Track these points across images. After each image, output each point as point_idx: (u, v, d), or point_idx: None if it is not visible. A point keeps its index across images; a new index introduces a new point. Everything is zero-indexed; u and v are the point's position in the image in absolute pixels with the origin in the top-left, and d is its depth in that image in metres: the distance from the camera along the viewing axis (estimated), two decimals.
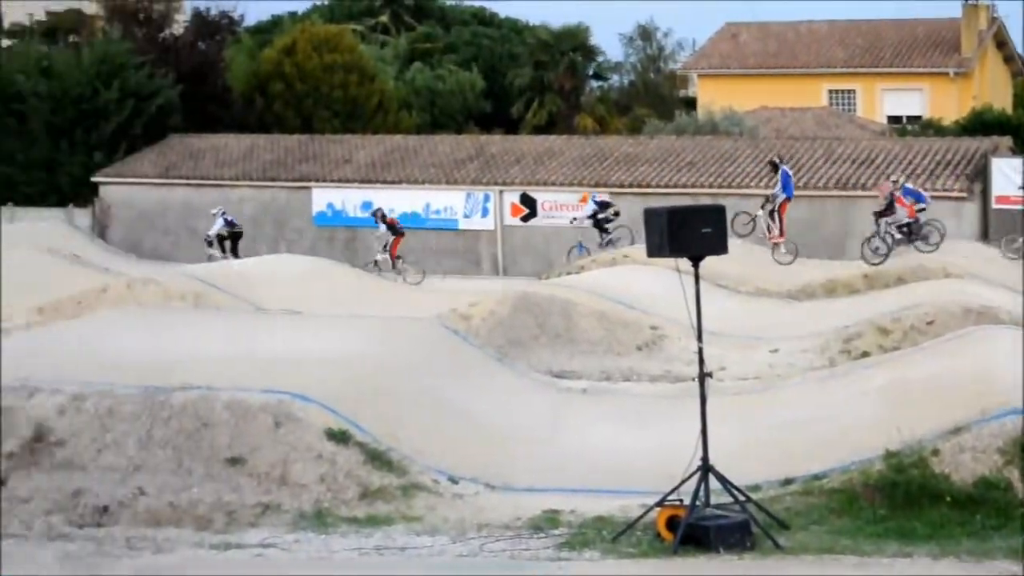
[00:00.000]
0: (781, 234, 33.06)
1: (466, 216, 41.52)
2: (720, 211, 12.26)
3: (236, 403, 13.18)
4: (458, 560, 11.22)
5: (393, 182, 44.25)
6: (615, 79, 74.14)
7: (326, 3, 76.02)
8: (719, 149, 42.93)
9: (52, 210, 47.46)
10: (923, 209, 32.76)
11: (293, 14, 74.92)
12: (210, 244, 38.86)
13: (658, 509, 11.58)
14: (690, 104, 63.98)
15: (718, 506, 11.51)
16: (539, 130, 59.34)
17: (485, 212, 42.89)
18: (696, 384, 11.95)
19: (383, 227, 36.58)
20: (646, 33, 73.00)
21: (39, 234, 38.37)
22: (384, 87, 57.98)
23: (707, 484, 11.52)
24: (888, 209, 32.58)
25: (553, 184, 42.26)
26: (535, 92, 65.00)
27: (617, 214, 36.26)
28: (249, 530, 12.04)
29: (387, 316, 21.58)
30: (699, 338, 11.92)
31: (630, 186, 40.53)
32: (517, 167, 43.79)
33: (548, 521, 12.20)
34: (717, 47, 63.56)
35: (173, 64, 52.62)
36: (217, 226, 38.77)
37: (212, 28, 57.70)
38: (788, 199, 33.34)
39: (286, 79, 55.33)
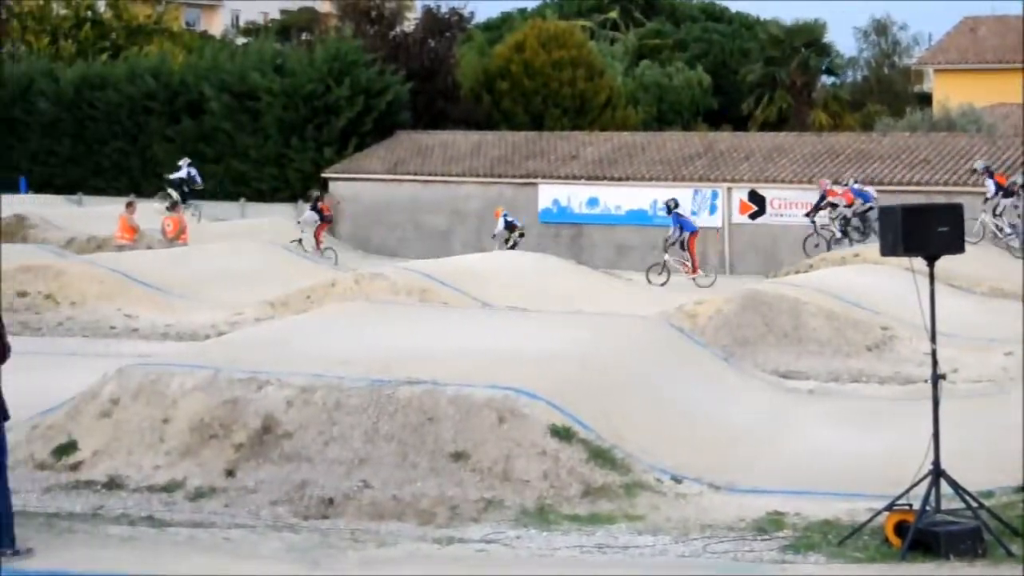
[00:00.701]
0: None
1: (693, 214, 41.21)
2: (957, 209, 11.92)
3: (461, 398, 13.30)
4: (680, 560, 11.14)
5: (620, 179, 44.23)
6: (848, 75, 73.04)
7: (556, 0, 76.40)
8: (954, 146, 41.90)
9: (282, 205, 48.62)
10: (869, 208, 34.20)
11: (523, 11, 75.51)
12: (171, 186, 41.96)
13: (886, 513, 11.33)
14: (924, 100, 62.59)
15: (948, 512, 11.22)
16: (768, 127, 58.78)
17: (713, 210, 42.59)
18: (927, 386, 11.65)
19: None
20: (881, 28, 71.73)
21: (269, 229, 39.32)
22: (612, 83, 58.02)
23: (938, 489, 11.23)
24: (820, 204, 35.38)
25: (783, 181, 41.76)
26: (765, 88, 64.39)
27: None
28: (472, 525, 12.13)
29: (613, 313, 21.57)
30: (932, 339, 11.62)
31: (862, 184, 39.75)
32: (746, 164, 43.38)
33: (772, 523, 12.03)
34: (954, 41, 61.99)
35: (403, 61, 53.45)
36: (179, 174, 42.26)
37: (442, 25, 58.40)
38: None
39: (515, 76, 55.76)
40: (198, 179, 42.96)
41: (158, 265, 27.73)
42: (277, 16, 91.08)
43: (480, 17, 68.86)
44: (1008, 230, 34.16)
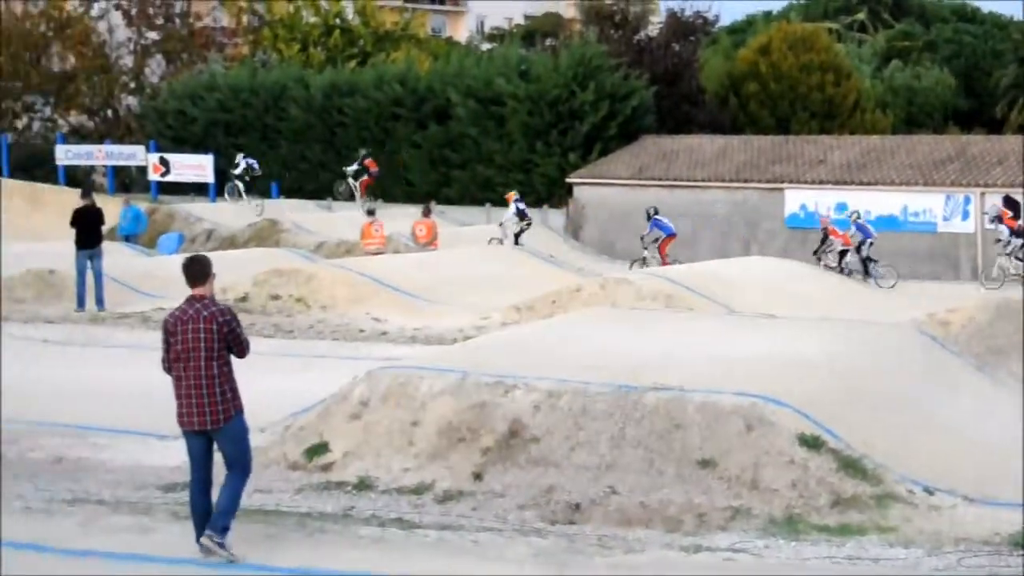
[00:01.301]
0: None
1: (945, 219, 40.31)
2: None
3: (708, 405, 13.22)
4: (934, 575, 10.90)
5: (868, 183, 43.46)
6: None
7: (802, 2, 75.46)
8: None
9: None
10: (871, 243, 35.48)
11: (768, 13, 74.78)
12: (234, 179, 44.42)
13: None
14: None
15: None
16: None
17: (965, 215, 41.52)
18: None
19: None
20: None
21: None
22: (860, 86, 57.03)
23: None
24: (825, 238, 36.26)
25: None
26: (1021, 90, 62.49)
27: None
28: (719, 533, 12.05)
29: (862, 320, 21.20)
30: None
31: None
32: (999, 168, 42.17)
33: None
34: None
35: (647, 65, 53.40)
36: (239, 168, 44.26)
37: (687, 29, 58.19)
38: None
39: (761, 79, 55.23)
40: (256, 167, 44.63)
41: (406, 269, 28.22)
42: (522, 21, 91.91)
43: (724, 20, 68.39)
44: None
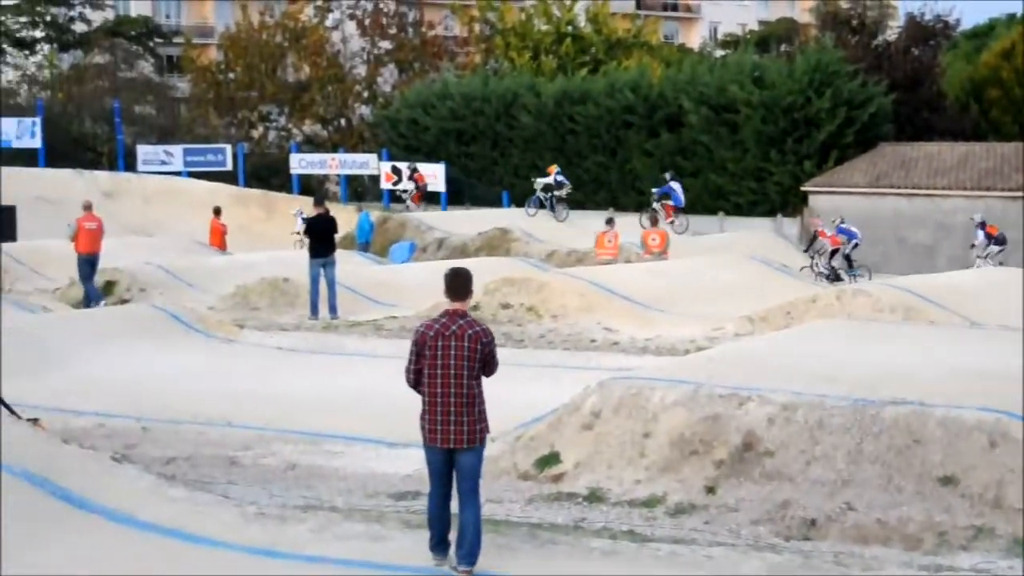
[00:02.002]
0: None
1: None
2: None
3: (950, 420, 12.89)
4: None
5: None
6: None
7: None
8: None
9: (761, 219, 48.57)
10: (855, 244, 38.12)
11: (1011, 16, 72.79)
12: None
13: None
14: None
15: None
16: None
17: None
18: None
19: None
20: None
21: (748, 243, 39.30)
22: None
23: None
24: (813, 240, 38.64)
25: None
26: None
27: None
28: (960, 553, 11.74)
29: None
30: None
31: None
32: None
33: None
34: None
35: (886, 71, 52.50)
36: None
37: (927, 33, 57.06)
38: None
39: (1004, 84, 53.83)
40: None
41: (637, 278, 28.16)
42: (756, 27, 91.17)
43: (966, 23, 66.88)
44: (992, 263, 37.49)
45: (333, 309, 26.69)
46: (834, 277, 36.81)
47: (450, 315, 10.60)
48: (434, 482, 10.71)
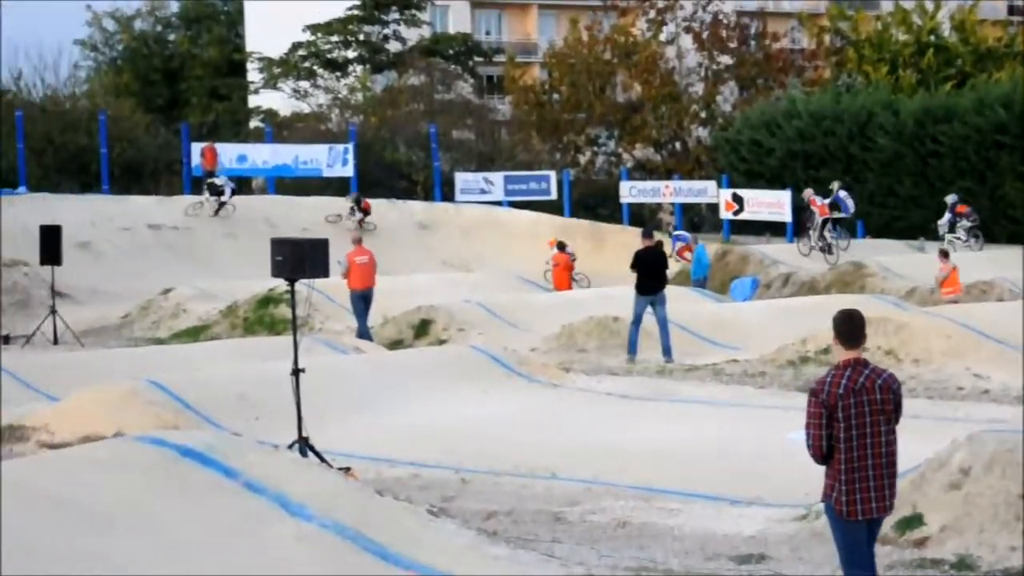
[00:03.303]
0: None
1: None
2: None
3: None
4: None
5: None
6: None
7: None
8: None
9: None
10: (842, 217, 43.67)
11: None
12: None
13: None
14: None
15: None
16: None
17: None
18: None
19: None
20: None
21: None
22: None
23: None
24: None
25: None
26: None
27: None
28: None
29: None
30: None
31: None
32: None
33: None
34: None
35: None
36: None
37: None
38: None
39: None
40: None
41: (1008, 319, 27.38)
42: None
43: None
44: (964, 237, 45.15)
45: (667, 351, 26.74)
46: (827, 249, 42.50)
47: (852, 366, 10.19)
48: (859, 562, 10.26)
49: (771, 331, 27.96)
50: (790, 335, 26.56)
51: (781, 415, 20.35)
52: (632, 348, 26.93)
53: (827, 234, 42.93)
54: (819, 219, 43.09)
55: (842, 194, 43.68)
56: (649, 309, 27.06)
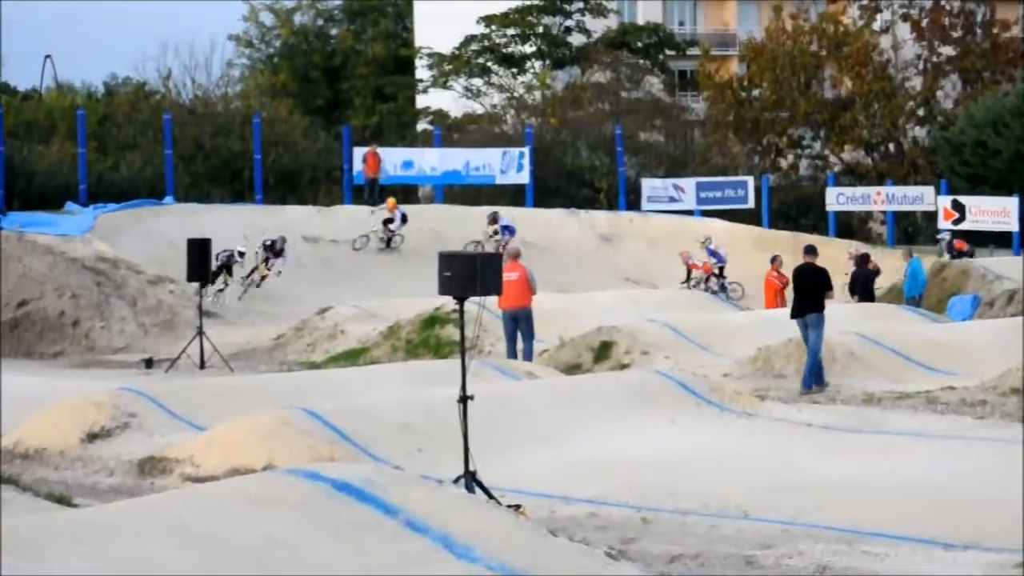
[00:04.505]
0: None
1: None
2: None
3: None
4: None
5: None
6: None
7: None
8: None
9: None
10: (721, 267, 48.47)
11: None
12: None
13: None
14: None
15: None
16: None
17: None
18: None
19: None
20: None
21: None
22: None
23: None
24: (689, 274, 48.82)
25: None
26: None
27: None
28: None
29: None
30: None
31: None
32: None
33: None
34: None
35: None
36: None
37: None
38: None
39: None
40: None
41: None
42: None
43: None
44: None
45: (804, 379, 26.68)
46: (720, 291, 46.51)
47: None
48: None
49: (993, 354, 27.64)
50: (1015, 359, 26.25)
51: (1003, 448, 20.13)
52: (809, 380, 26.90)
53: (711, 286, 47.57)
54: (703, 276, 48.17)
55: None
56: None
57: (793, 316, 27.23)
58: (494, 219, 51.38)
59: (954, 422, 22.75)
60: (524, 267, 30.78)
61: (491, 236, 50.37)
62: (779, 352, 29.00)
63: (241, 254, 44.58)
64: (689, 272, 48.50)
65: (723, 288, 47.41)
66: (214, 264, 41.65)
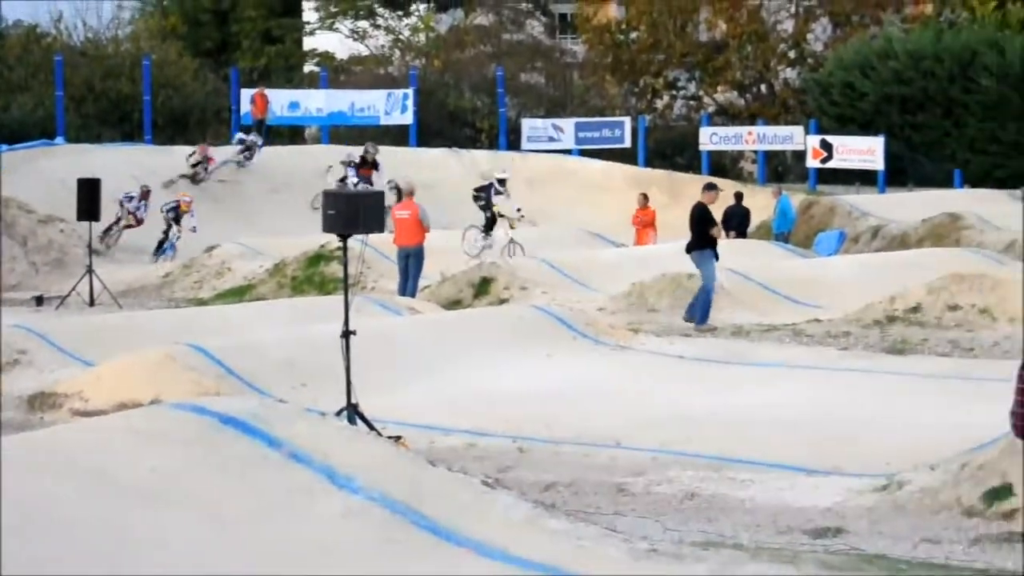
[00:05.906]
0: None
1: None
2: None
3: None
4: None
5: None
6: None
7: None
8: None
9: None
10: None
11: None
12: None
13: None
14: None
15: None
16: None
17: None
18: None
19: None
20: None
21: None
22: None
23: None
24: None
25: None
26: None
27: None
28: None
29: None
30: None
31: None
32: None
33: None
34: None
35: None
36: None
37: None
38: None
39: None
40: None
41: None
42: None
43: None
44: None
45: (691, 310, 26.81)
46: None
47: None
48: None
49: (857, 288, 27.93)
50: (878, 293, 26.56)
51: (865, 379, 20.41)
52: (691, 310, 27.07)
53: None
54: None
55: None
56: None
57: (692, 248, 27.24)
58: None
59: (819, 353, 23.00)
60: (418, 205, 30.64)
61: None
62: (652, 287, 29.18)
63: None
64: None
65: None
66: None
